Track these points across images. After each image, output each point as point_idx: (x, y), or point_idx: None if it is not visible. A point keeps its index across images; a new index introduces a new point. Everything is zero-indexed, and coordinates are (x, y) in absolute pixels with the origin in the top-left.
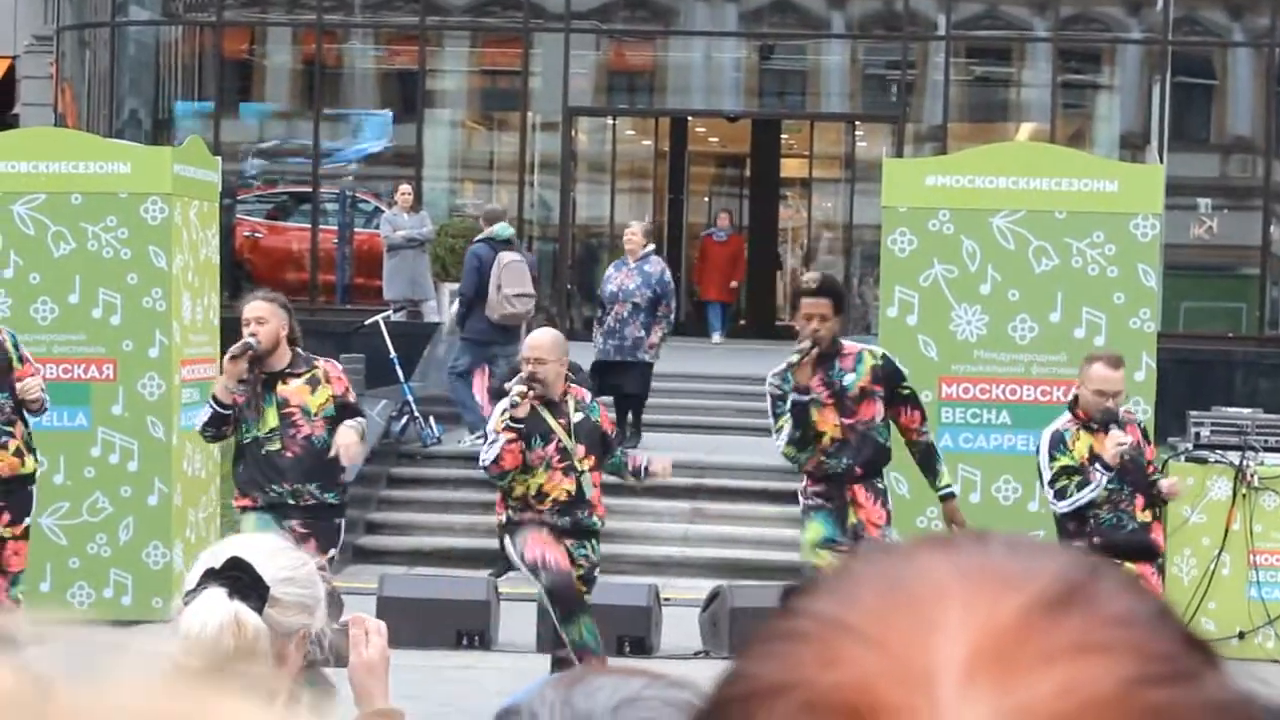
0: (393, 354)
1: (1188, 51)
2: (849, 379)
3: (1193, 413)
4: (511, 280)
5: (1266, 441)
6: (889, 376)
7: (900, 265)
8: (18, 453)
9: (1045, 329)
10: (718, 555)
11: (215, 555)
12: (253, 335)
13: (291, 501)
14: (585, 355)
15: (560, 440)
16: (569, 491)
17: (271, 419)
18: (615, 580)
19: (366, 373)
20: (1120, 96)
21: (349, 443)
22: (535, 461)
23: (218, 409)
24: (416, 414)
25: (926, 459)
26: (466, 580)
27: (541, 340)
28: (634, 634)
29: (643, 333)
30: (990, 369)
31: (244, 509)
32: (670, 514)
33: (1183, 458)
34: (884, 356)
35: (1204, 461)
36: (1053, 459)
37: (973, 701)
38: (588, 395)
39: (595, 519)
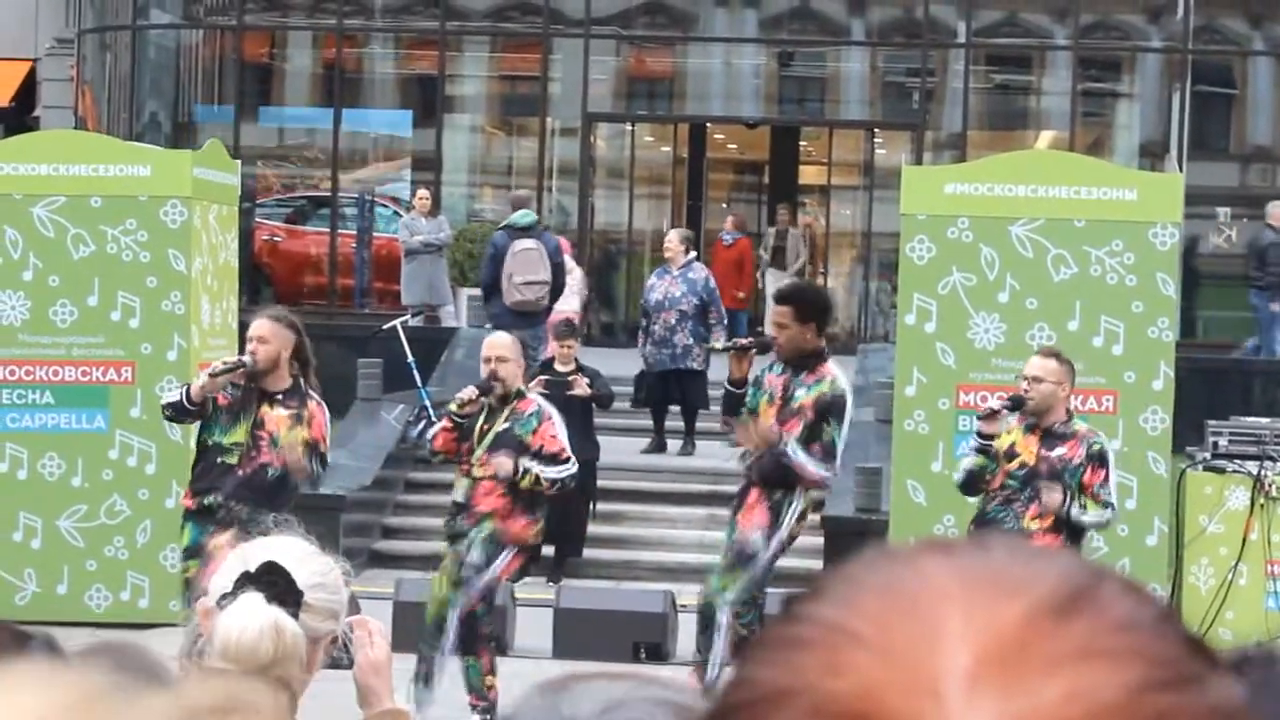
0: (410, 359)
1: (1208, 60)
2: (800, 392)
3: (1211, 422)
4: (521, 268)
5: None
6: (822, 407)
7: (919, 273)
8: None
9: (1063, 337)
10: None
11: (246, 558)
12: (251, 353)
13: (219, 515)
14: (606, 360)
15: (473, 442)
16: (464, 493)
17: (241, 433)
18: (631, 586)
19: (384, 378)
20: (1140, 105)
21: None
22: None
23: (186, 403)
24: (433, 419)
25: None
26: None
27: (501, 341)
28: (650, 640)
29: (691, 340)
30: (1008, 377)
31: (185, 511)
32: (686, 520)
33: (1200, 467)
34: (839, 395)
35: (1222, 471)
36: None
37: (978, 708)
38: (534, 407)
39: (478, 526)
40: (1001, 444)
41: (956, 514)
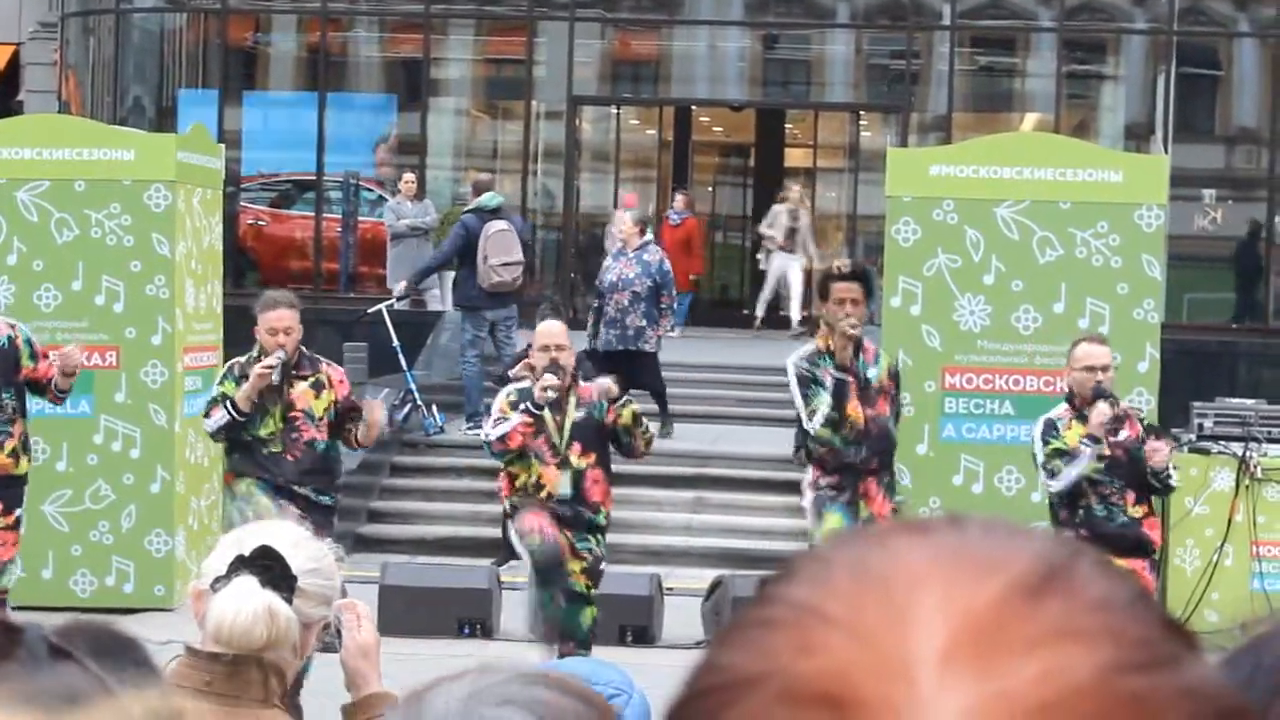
0: (396, 342)
1: (1193, 42)
2: (872, 372)
3: (1196, 404)
4: (497, 249)
5: (1270, 433)
6: (897, 381)
7: (904, 255)
8: (13, 453)
9: (1049, 319)
10: (720, 545)
11: (242, 542)
12: (281, 347)
13: (291, 492)
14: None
15: (550, 435)
16: (570, 486)
17: (276, 422)
18: (618, 570)
19: (369, 361)
20: (1125, 87)
21: (376, 419)
22: (531, 449)
23: (236, 416)
24: (419, 402)
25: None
26: (468, 569)
27: (556, 329)
28: (636, 623)
29: (644, 322)
30: (994, 359)
31: (247, 481)
32: (673, 503)
33: (1186, 449)
34: (895, 362)
35: (1207, 453)
36: (1045, 443)
37: (951, 688)
38: (594, 392)
39: (597, 515)
40: (1070, 442)
41: (942, 496)
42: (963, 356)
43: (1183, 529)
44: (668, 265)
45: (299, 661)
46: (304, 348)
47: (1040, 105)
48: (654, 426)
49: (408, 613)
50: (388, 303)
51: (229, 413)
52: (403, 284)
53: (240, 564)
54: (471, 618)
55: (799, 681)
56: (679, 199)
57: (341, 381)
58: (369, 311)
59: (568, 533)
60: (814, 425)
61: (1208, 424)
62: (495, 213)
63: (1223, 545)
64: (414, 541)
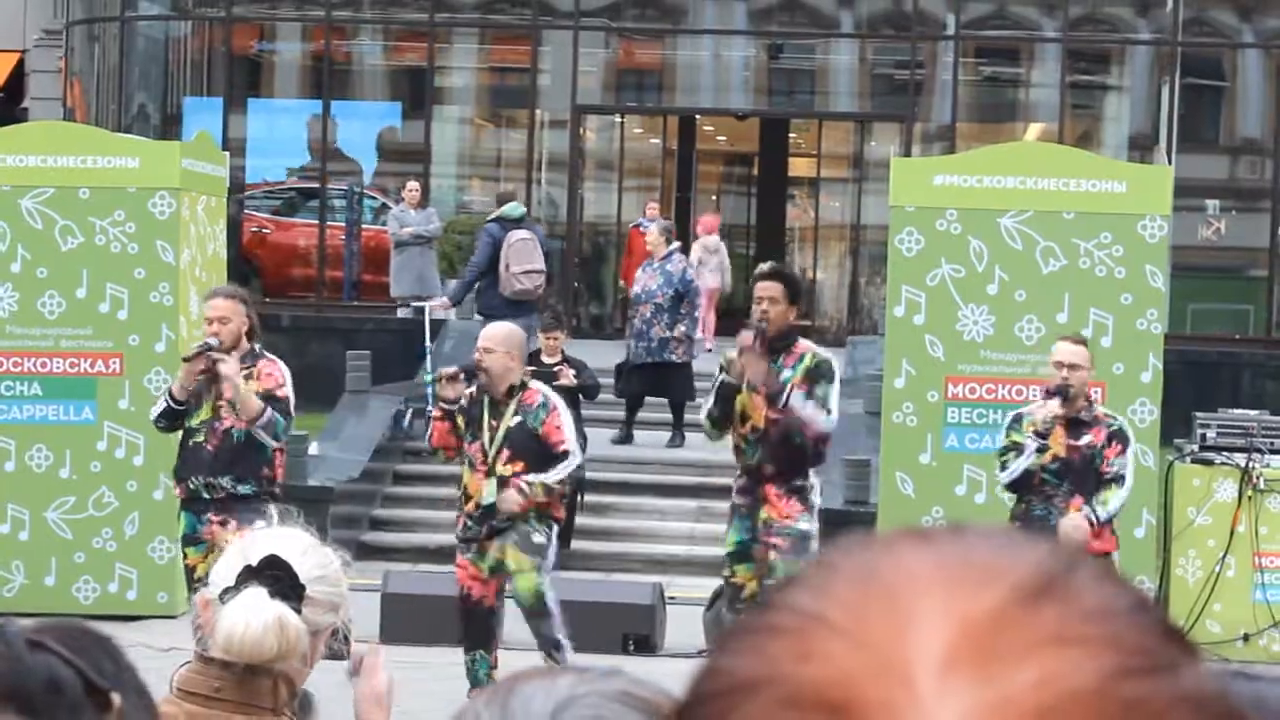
0: (428, 344)
1: (1197, 53)
2: (785, 375)
3: (1199, 414)
4: (518, 258)
5: (1272, 444)
6: (812, 377)
7: (907, 265)
8: None
9: (1052, 329)
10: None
11: (247, 551)
12: (214, 335)
13: (206, 495)
14: (593, 352)
15: (484, 442)
16: (493, 493)
17: (205, 411)
18: (620, 578)
19: (372, 370)
20: (1129, 97)
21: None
22: (466, 454)
23: (172, 404)
24: (428, 409)
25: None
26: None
27: (494, 331)
28: (638, 632)
29: (668, 333)
30: (997, 369)
31: (180, 503)
32: (675, 512)
33: (1188, 459)
34: (824, 361)
35: (1210, 463)
36: (1006, 435)
37: (951, 694)
38: (540, 399)
39: (526, 522)
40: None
41: (945, 506)
42: (966, 366)
43: (1185, 539)
44: (690, 274)
45: (308, 669)
46: (256, 345)
47: (1044, 115)
48: (564, 471)
49: (410, 621)
50: (424, 305)
51: (167, 401)
52: (445, 300)
53: (249, 574)
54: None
55: (800, 687)
56: (650, 207)
57: (270, 374)
58: (408, 312)
59: (492, 544)
60: (701, 414)
61: (1210, 435)
62: (518, 222)
63: (1225, 556)
64: (416, 550)
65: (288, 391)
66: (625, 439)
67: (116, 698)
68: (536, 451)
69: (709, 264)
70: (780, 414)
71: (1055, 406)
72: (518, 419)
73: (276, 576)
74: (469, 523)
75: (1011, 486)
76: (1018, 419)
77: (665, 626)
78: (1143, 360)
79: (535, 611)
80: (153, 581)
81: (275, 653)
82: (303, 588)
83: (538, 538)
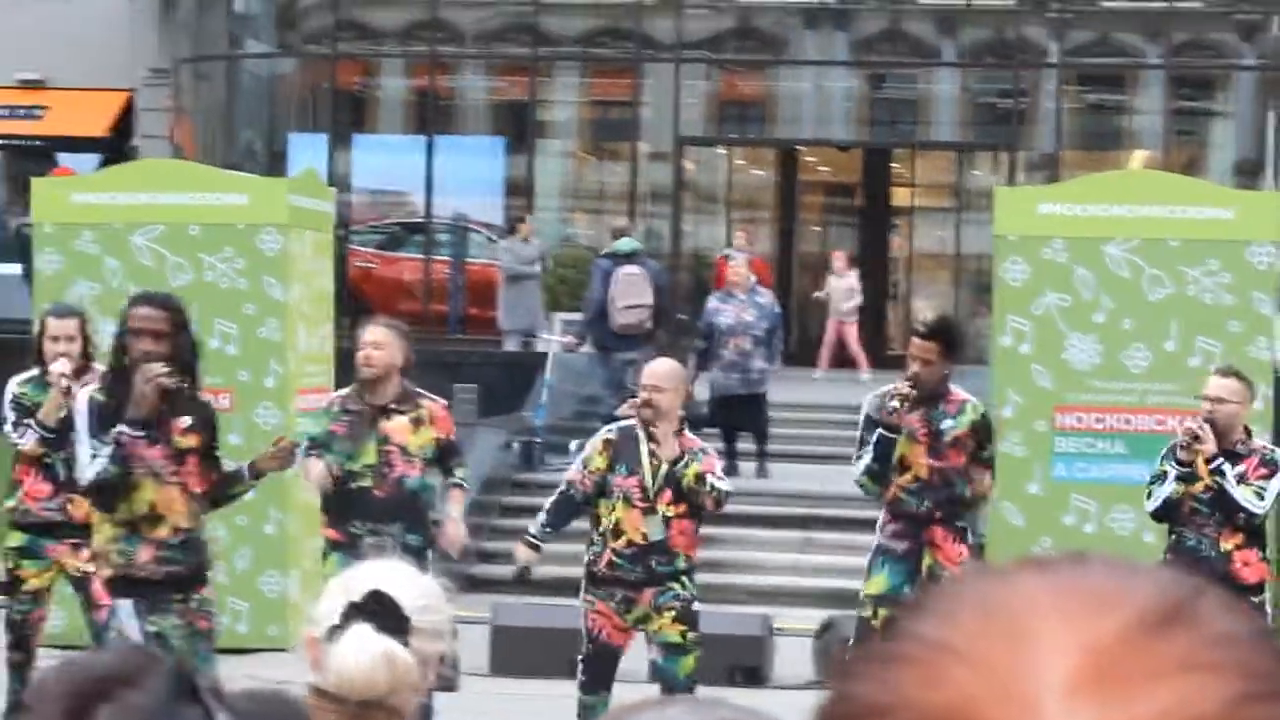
0: (549, 377)
1: None
2: (947, 424)
3: None
4: (623, 293)
5: None
6: (981, 434)
7: (1013, 294)
8: None
9: (1160, 358)
10: (829, 585)
11: (350, 587)
12: (367, 359)
13: (371, 542)
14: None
15: (644, 477)
16: (645, 535)
17: (369, 454)
18: (727, 610)
19: (479, 402)
20: (1234, 123)
21: (455, 534)
22: (615, 490)
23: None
24: (540, 440)
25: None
26: (579, 609)
27: (658, 368)
28: (747, 663)
29: (765, 364)
30: (1105, 398)
31: (328, 542)
32: (781, 544)
33: None
34: (984, 414)
35: None
36: (1160, 463)
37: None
38: (697, 446)
39: (675, 560)
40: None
41: (1053, 536)
42: (1074, 395)
43: None
44: (778, 307)
45: (419, 698)
46: (407, 382)
47: (1148, 142)
48: (725, 485)
49: (519, 653)
50: (555, 338)
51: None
52: (571, 339)
53: (354, 611)
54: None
55: (927, 714)
56: (739, 235)
57: (444, 418)
58: (541, 345)
59: (648, 593)
60: (856, 471)
61: None
62: (629, 257)
63: None
64: (524, 583)
65: (456, 435)
66: (729, 470)
67: None
68: (695, 492)
69: (850, 299)
70: (940, 462)
71: (1193, 431)
72: (681, 461)
73: (381, 611)
74: (617, 560)
75: (1158, 516)
76: (1172, 448)
77: (773, 658)
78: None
79: (687, 689)
80: (264, 615)
81: (386, 688)
82: (408, 620)
83: (696, 605)
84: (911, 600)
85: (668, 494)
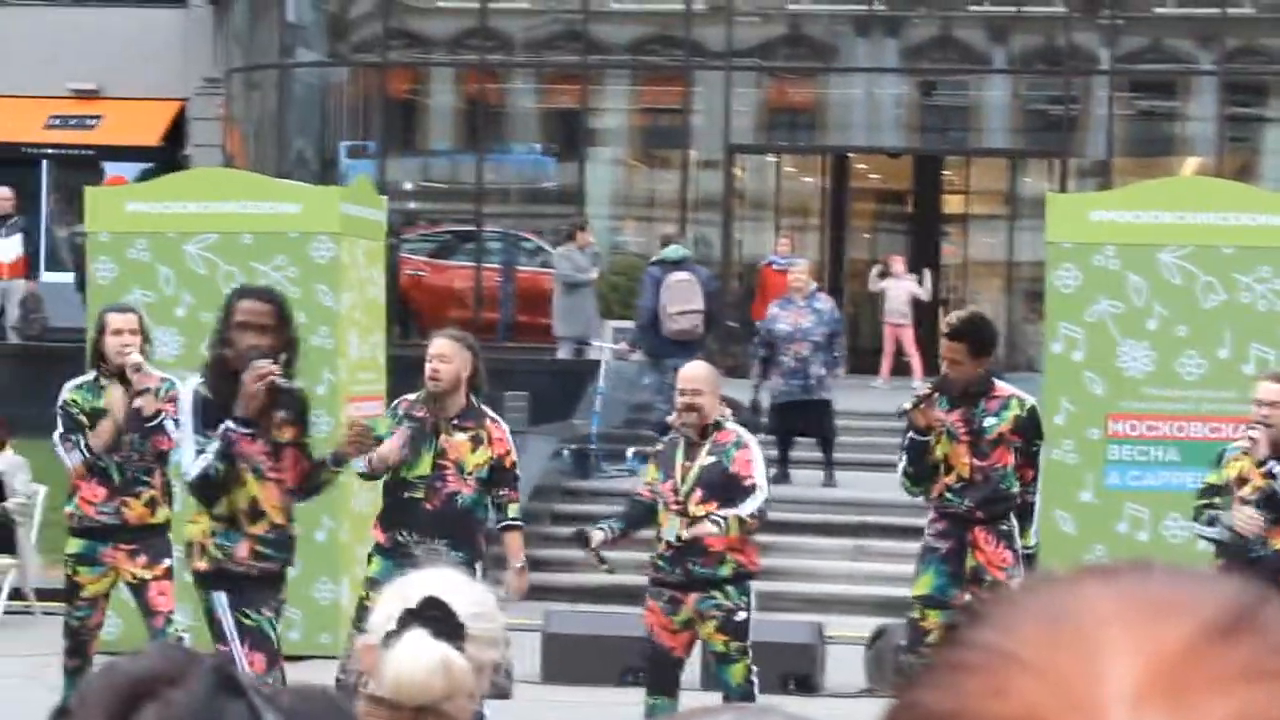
0: (601, 385)
1: None
2: (989, 422)
3: None
4: (674, 299)
5: None
6: (1028, 430)
7: (1065, 301)
8: (150, 502)
9: (1214, 365)
10: (882, 593)
11: (405, 593)
12: (434, 373)
13: (417, 552)
14: (746, 391)
15: (676, 481)
16: (679, 536)
17: (424, 466)
18: (779, 618)
19: (530, 410)
20: None
21: (520, 585)
22: (659, 494)
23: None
24: (594, 448)
25: (1021, 516)
26: (631, 616)
27: (696, 373)
28: (799, 671)
29: (824, 370)
30: (1158, 405)
31: (376, 545)
32: (834, 551)
33: None
34: (1031, 409)
35: None
36: (1211, 471)
37: None
38: (734, 438)
39: (719, 568)
40: (1230, 473)
41: (1106, 544)
42: (1127, 403)
43: None
44: (839, 312)
45: (474, 705)
46: (474, 398)
47: (1201, 149)
48: (753, 505)
49: (571, 661)
50: (611, 346)
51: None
52: (625, 346)
53: (409, 617)
54: (634, 666)
55: None
56: (783, 243)
57: (502, 439)
58: (599, 354)
59: (691, 597)
60: (898, 474)
61: None
62: (678, 264)
63: None
64: (576, 589)
65: (515, 456)
66: (781, 478)
67: None
68: (730, 490)
69: (905, 303)
70: (984, 461)
71: (1250, 514)
72: (712, 459)
73: (437, 617)
74: (660, 563)
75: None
76: (1218, 456)
77: (825, 666)
78: None
79: (744, 695)
80: (316, 622)
81: (442, 694)
82: (463, 626)
83: (740, 615)
84: (974, 607)
85: (698, 494)
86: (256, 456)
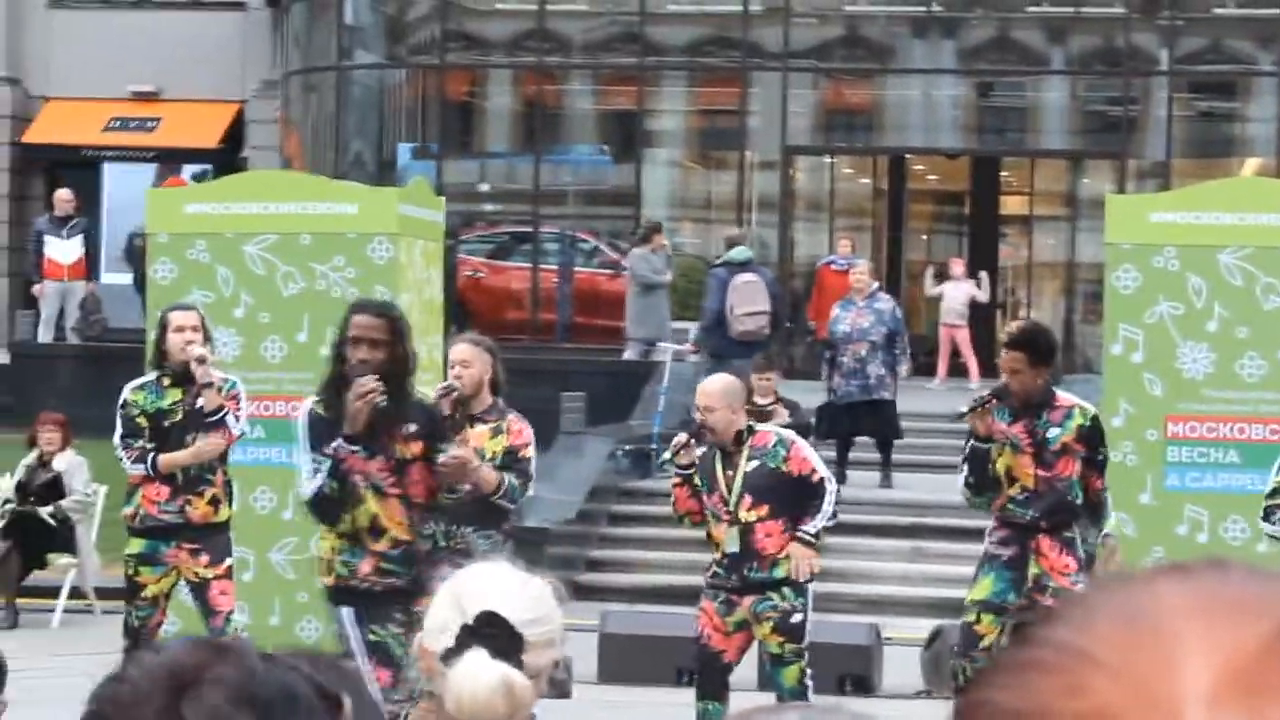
0: (665, 385)
1: None
2: (1054, 432)
3: None
4: (740, 300)
5: None
6: (1092, 439)
7: (1125, 302)
8: (213, 501)
9: (1274, 366)
10: (938, 595)
11: (460, 602)
12: (456, 379)
13: (444, 543)
14: (808, 393)
15: (722, 491)
16: (738, 543)
17: None
18: (836, 619)
19: (587, 411)
20: None
21: (462, 454)
22: (708, 508)
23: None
24: (655, 448)
25: (1095, 512)
26: (687, 617)
27: (710, 388)
28: (855, 672)
29: (884, 370)
30: (1218, 407)
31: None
32: (890, 553)
33: None
34: (1094, 418)
35: None
36: (1277, 473)
37: None
38: (774, 438)
39: (773, 570)
40: None
41: (1166, 546)
42: (1186, 405)
43: None
44: (900, 312)
45: (532, 709)
46: (499, 398)
47: (1261, 150)
48: (829, 506)
49: (628, 661)
50: (676, 348)
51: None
52: (688, 346)
53: (468, 636)
54: (691, 666)
55: None
56: (843, 244)
57: (520, 432)
58: (666, 356)
59: (746, 600)
60: (959, 484)
61: None
62: (744, 265)
63: None
64: (632, 590)
65: (531, 453)
66: (839, 479)
67: (348, 702)
68: (780, 491)
69: (964, 305)
70: (1049, 472)
71: None
72: (754, 463)
73: (495, 635)
74: (718, 570)
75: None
76: None
77: (882, 667)
78: None
79: (797, 698)
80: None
81: (504, 713)
82: (521, 639)
83: (797, 617)
84: (1049, 607)
85: (747, 499)
86: (375, 473)
